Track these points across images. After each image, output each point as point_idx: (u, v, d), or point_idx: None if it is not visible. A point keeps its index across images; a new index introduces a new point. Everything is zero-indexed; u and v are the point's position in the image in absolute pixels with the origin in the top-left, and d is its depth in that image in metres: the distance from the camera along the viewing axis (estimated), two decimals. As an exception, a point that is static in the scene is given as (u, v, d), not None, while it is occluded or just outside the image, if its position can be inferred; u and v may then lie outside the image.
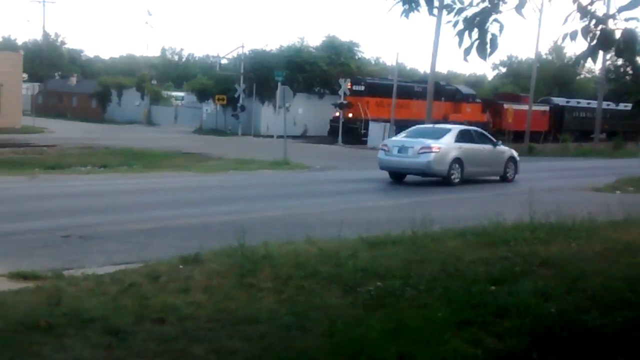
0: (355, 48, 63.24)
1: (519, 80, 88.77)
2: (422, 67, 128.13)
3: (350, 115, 49.99)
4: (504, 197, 20.79)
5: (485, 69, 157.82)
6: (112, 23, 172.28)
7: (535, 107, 61.27)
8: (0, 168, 24.96)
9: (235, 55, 58.05)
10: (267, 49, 60.99)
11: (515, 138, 57.35)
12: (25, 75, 57.04)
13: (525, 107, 59.05)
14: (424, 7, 7.44)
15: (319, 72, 56.84)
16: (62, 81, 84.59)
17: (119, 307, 7.19)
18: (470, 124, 53.54)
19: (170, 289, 8.00)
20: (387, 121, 47.68)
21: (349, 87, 50.62)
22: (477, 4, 6.72)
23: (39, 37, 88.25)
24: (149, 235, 12.64)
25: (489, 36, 6.58)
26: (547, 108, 65.12)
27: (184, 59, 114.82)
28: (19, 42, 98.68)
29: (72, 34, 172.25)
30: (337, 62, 58.90)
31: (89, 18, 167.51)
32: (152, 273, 8.68)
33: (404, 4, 7.38)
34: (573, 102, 70.75)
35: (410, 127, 49.76)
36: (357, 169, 31.83)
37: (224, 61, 59.72)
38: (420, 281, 8.36)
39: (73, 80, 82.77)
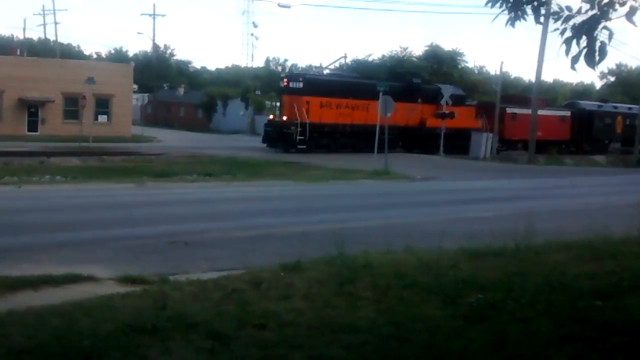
0: (459, 57, 62.62)
1: (628, 90, 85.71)
2: (527, 75, 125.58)
3: (285, 118, 42.55)
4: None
5: (592, 77, 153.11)
6: (219, 35, 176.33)
7: (552, 112, 54.45)
8: (111, 175, 25.88)
9: (337, 65, 58.43)
10: (370, 59, 61.18)
11: (526, 148, 49.22)
12: (135, 86, 58.98)
13: (538, 112, 50.98)
14: (530, 15, 7.31)
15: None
16: (170, 92, 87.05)
17: (222, 312, 7.34)
18: (457, 131, 45.69)
19: (271, 296, 8.12)
20: (336, 126, 42.73)
21: (285, 84, 43.83)
22: (586, 11, 6.56)
23: (149, 49, 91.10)
24: (252, 243, 12.85)
25: (597, 44, 6.41)
26: (567, 114, 56.02)
27: (287, 70, 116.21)
28: (130, 53, 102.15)
29: (180, 46, 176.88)
30: (439, 72, 58.41)
31: (196, 31, 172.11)
32: (254, 279, 8.83)
33: (509, 12, 7.28)
34: (608, 107, 61.67)
35: (370, 133, 41.95)
36: (458, 180, 31.49)
37: (326, 71, 60.22)
38: (523, 294, 8.17)
39: (181, 91, 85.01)
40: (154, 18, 79.18)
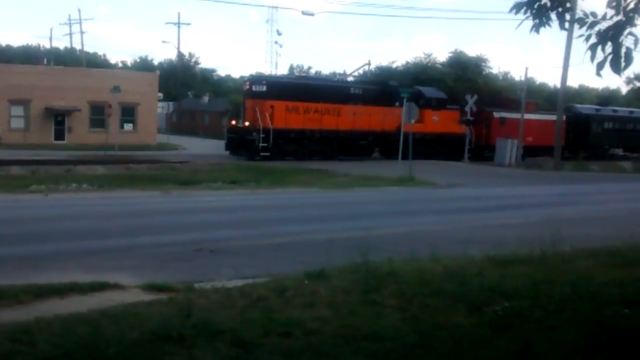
0: (483, 63, 62.37)
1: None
2: (553, 81, 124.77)
3: (247, 123, 40.00)
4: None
5: (618, 83, 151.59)
6: (243, 43, 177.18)
7: (545, 117, 51.82)
8: (137, 183, 26.06)
9: (361, 72, 58.47)
10: (394, 65, 61.15)
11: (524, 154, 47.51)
12: (160, 95, 59.37)
13: (527, 116, 48.74)
14: (554, 21, 7.29)
15: (445, 88, 56.20)
16: (195, 100, 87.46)
17: (247, 320, 7.35)
18: (439, 136, 43.68)
19: (296, 304, 8.12)
20: (303, 131, 40.30)
21: (247, 87, 41.46)
22: (611, 17, 6.53)
23: (174, 57, 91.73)
24: (276, 250, 12.87)
25: (623, 50, 6.38)
26: (562, 118, 51.38)
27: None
28: (155, 62, 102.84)
29: (205, 54, 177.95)
30: (464, 78, 58.20)
31: (221, 39, 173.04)
32: (279, 287, 8.84)
33: (534, 19, 7.26)
34: (607, 111, 58.15)
35: (342, 139, 41.22)
36: (483, 186, 31.35)
37: (350, 78, 60.29)
38: (550, 302, 8.11)
39: (205, 99, 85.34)
40: (178, 27, 79.87)
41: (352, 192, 26.31)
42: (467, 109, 46.13)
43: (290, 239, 14.37)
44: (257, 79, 42.27)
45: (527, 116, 49.00)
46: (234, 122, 42.73)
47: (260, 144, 38.49)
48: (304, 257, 11.67)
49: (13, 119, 50.64)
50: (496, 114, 50.18)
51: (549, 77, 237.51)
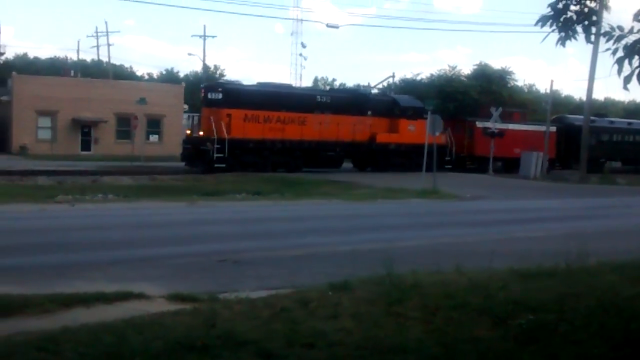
0: (508, 76, 62.08)
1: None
2: (578, 94, 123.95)
3: (201, 133, 38.23)
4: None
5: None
6: (268, 56, 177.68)
7: (533, 127, 49.52)
8: (162, 194, 26.21)
9: (385, 85, 58.41)
10: (418, 78, 61.05)
11: (508, 166, 46.58)
12: (186, 107, 59.73)
13: (515, 126, 47.43)
14: (580, 34, 7.28)
15: (470, 101, 55.94)
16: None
17: (271, 330, 7.37)
18: (416, 147, 38.57)
19: (319, 315, 8.12)
20: (264, 142, 38.40)
21: (202, 94, 39.63)
22: (638, 31, 6.51)
23: (199, 69, 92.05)
24: (300, 262, 12.88)
25: (651, 64, 6.36)
26: (553, 129, 49.67)
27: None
28: (181, 74, 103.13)
29: (230, 66, 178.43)
30: (488, 91, 57.92)
31: (246, 51, 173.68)
32: (303, 299, 8.84)
33: (560, 32, 7.25)
34: (603, 122, 54.99)
35: (307, 149, 39.34)
36: (507, 199, 31.16)
37: (374, 91, 60.27)
38: (575, 316, 8.04)
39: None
40: (204, 39, 79.94)
41: (375, 204, 26.27)
42: (492, 121, 45.82)
43: (313, 250, 14.38)
44: (212, 86, 40.11)
45: (513, 126, 47.70)
46: (188, 132, 41.13)
47: (215, 155, 36.63)
48: (327, 269, 11.68)
49: (40, 130, 51.30)
50: (479, 124, 47.74)
51: (574, 89, 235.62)
